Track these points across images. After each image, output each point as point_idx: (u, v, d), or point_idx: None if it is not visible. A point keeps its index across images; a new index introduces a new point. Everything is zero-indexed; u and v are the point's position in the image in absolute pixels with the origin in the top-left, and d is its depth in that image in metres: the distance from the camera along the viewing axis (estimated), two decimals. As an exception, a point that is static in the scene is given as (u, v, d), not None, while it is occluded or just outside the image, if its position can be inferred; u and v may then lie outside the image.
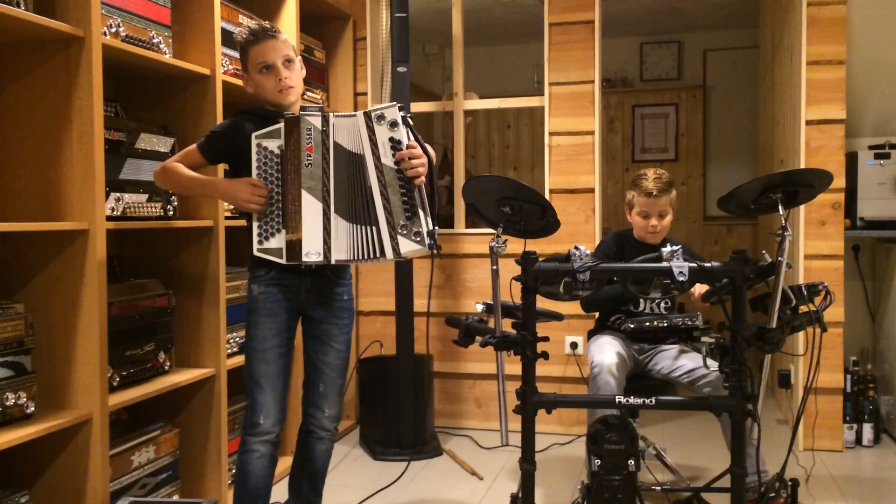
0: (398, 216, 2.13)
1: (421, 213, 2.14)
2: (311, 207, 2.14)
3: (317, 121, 2.15)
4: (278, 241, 2.15)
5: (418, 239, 2.13)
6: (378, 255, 2.15)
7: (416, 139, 2.16)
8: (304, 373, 2.40)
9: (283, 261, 2.15)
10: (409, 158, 2.12)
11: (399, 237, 2.13)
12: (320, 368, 2.35)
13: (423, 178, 2.15)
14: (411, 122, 2.18)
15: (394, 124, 2.14)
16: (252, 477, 2.25)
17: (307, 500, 2.43)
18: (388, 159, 2.14)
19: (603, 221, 3.98)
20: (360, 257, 2.16)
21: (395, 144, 2.14)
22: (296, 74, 2.29)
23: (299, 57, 2.34)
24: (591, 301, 2.91)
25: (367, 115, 2.14)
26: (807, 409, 3.41)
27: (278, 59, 2.24)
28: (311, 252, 2.13)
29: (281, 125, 2.15)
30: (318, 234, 2.14)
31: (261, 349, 2.25)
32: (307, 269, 2.24)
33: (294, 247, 2.14)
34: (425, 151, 2.17)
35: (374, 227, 2.15)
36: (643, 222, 2.94)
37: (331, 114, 2.17)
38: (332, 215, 2.14)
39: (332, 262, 2.15)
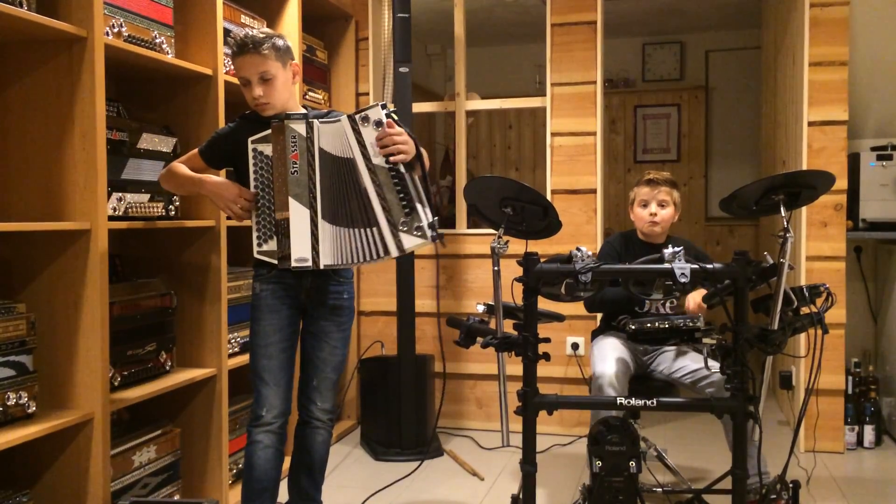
0: (397, 214, 2.14)
1: (419, 206, 2.14)
2: (298, 214, 2.16)
3: (301, 128, 2.15)
4: (273, 245, 2.18)
5: (419, 233, 2.14)
6: (382, 254, 2.16)
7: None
8: (300, 368, 2.41)
9: (277, 263, 2.19)
10: (390, 138, 2.11)
11: (401, 234, 2.14)
12: (315, 364, 2.37)
13: (407, 157, 2.13)
14: (396, 118, 2.16)
15: (378, 124, 2.13)
16: (257, 468, 2.27)
17: (307, 494, 2.43)
18: (378, 159, 2.14)
19: (605, 222, 3.98)
20: (356, 260, 2.18)
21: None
22: (274, 91, 2.22)
23: (292, 62, 2.28)
24: (595, 302, 2.90)
25: (352, 119, 2.15)
26: (808, 411, 3.41)
27: (253, 76, 2.21)
28: (300, 258, 2.16)
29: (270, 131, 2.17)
30: (306, 240, 2.16)
31: (263, 344, 2.28)
32: (306, 270, 2.26)
33: (284, 252, 2.16)
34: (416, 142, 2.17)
35: (373, 228, 2.16)
36: (643, 212, 2.93)
37: (315, 120, 2.17)
38: (320, 221, 2.16)
39: (321, 267, 2.17)
